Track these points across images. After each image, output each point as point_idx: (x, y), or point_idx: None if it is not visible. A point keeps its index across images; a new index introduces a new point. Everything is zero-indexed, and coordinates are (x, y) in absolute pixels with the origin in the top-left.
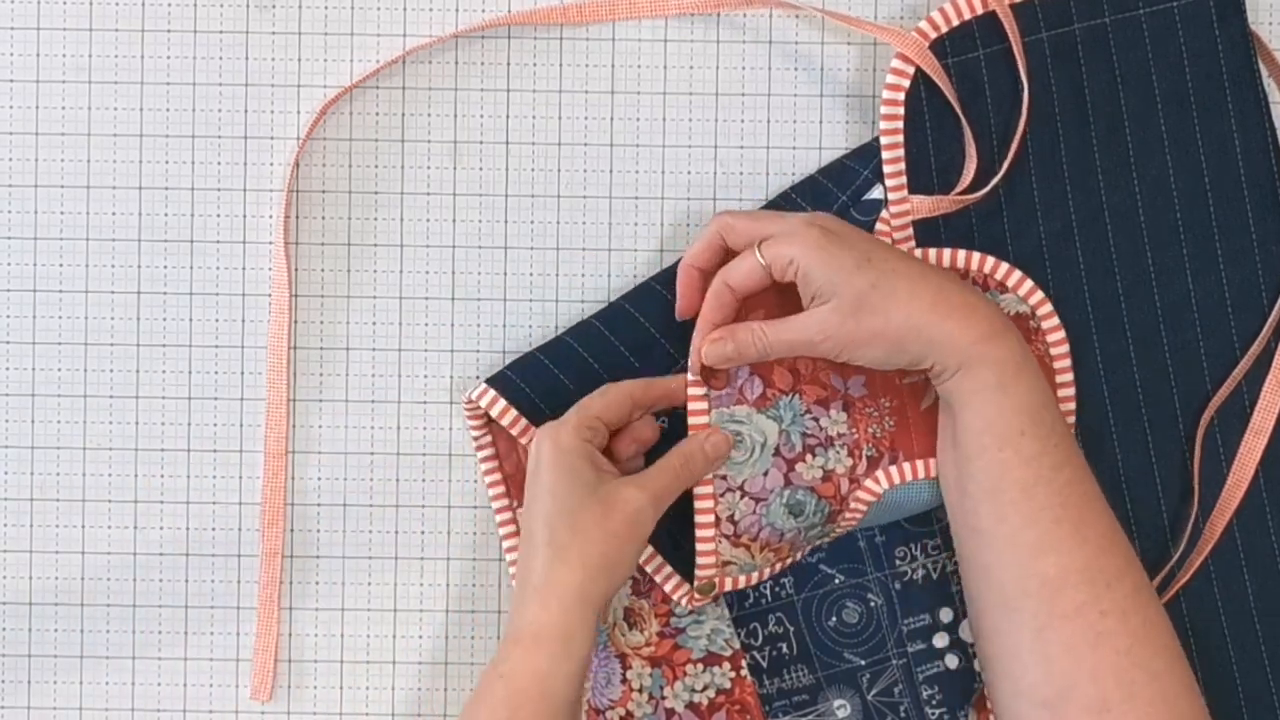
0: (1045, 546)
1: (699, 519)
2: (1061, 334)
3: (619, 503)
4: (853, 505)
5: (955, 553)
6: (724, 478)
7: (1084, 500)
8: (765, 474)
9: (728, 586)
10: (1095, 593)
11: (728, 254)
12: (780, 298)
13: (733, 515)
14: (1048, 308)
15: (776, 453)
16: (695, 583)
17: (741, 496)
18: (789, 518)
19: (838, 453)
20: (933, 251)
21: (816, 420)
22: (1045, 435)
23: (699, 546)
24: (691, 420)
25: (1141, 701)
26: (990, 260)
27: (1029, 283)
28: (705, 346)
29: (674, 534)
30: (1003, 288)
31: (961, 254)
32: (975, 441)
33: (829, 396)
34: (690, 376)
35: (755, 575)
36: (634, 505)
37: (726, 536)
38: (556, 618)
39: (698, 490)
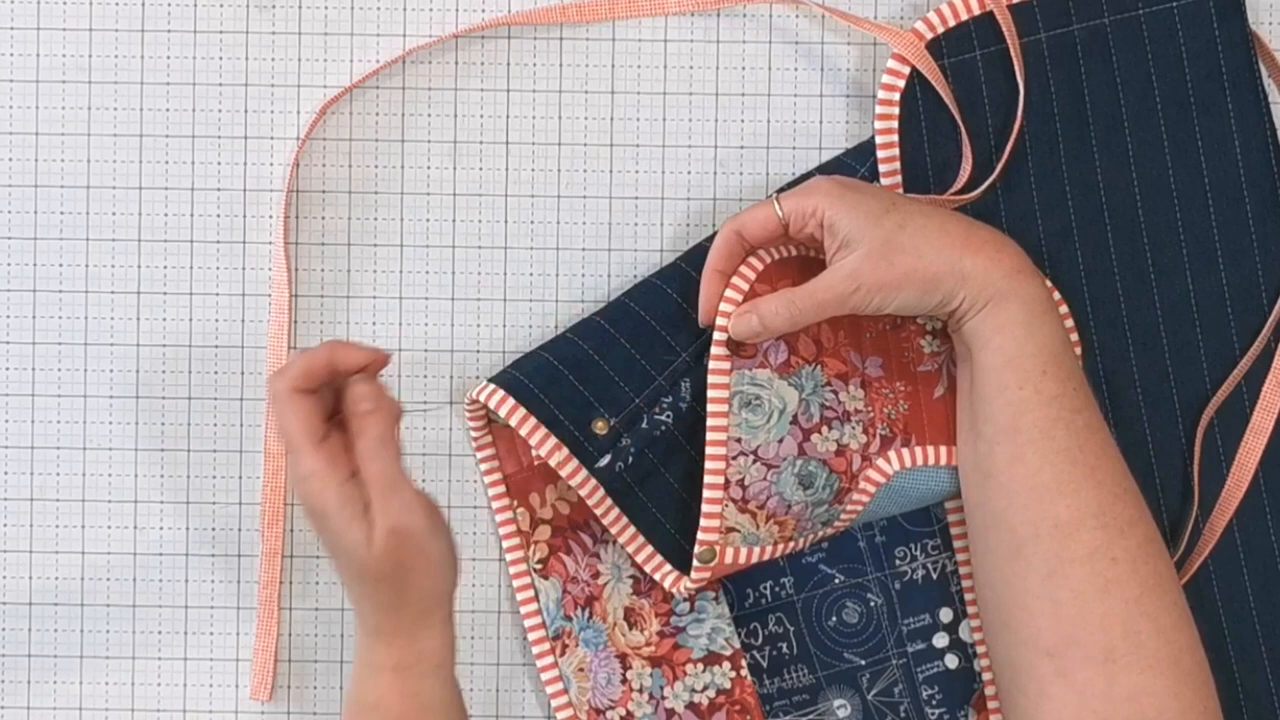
0: (1060, 488)
1: (709, 479)
2: (1075, 336)
3: (377, 546)
4: (861, 485)
5: (963, 507)
6: (739, 441)
7: (1100, 446)
8: (780, 441)
9: (728, 559)
10: (1108, 538)
11: (746, 253)
12: (802, 275)
13: (743, 480)
14: (1064, 309)
15: (794, 421)
16: (697, 548)
17: (754, 462)
18: (798, 489)
19: (853, 428)
20: None
21: (836, 394)
22: (1065, 378)
23: (705, 508)
24: (712, 380)
25: (1146, 653)
26: None
27: (1047, 283)
28: (731, 322)
29: (675, 512)
30: None
31: None
32: (995, 380)
33: (849, 372)
34: (715, 339)
35: (757, 552)
36: (380, 535)
37: (734, 501)
38: (406, 647)
39: (710, 451)
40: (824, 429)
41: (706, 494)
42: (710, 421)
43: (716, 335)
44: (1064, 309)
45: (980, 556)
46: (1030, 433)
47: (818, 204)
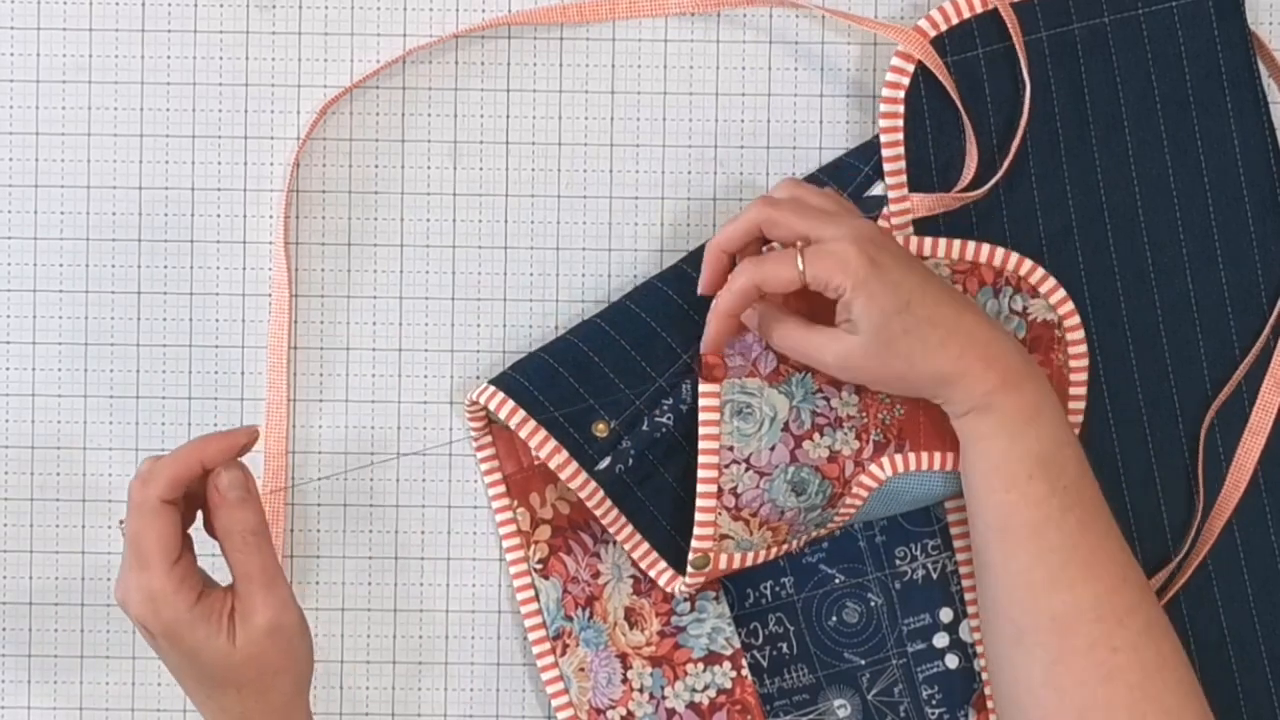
0: (1055, 584)
1: (701, 488)
2: (1083, 348)
3: (243, 654)
4: (854, 490)
5: (974, 585)
6: (731, 449)
7: (1096, 540)
8: (772, 449)
9: (722, 564)
10: (1107, 629)
11: (761, 240)
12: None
13: (735, 488)
14: (1075, 320)
15: (785, 428)
16: (691, 555)
17: (746, 469)
18: (791, 495)
19: (845, 434)
20: (971, 246)
21: (827, 400)
22: (1054, 479)
23: (698, 517)
24: (704, 388)
25: None
26: (1027, 264)
27: (1061, 291)
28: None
29: (673, 511)
30: (1034, 292)
31: (1000, 253)
32: (983, 482)
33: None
34: (704, 355)
35: (750, 556)
36: (253, 637)
37: (727, 509)
38: None
39: (702, 460)
40: (816, 435)
41: (699, 503)
42: (702, 430)
43: (704, 353)
44: (1079, 334)
45: (987, 639)
46: (1020, 532)
47: (840, 284)
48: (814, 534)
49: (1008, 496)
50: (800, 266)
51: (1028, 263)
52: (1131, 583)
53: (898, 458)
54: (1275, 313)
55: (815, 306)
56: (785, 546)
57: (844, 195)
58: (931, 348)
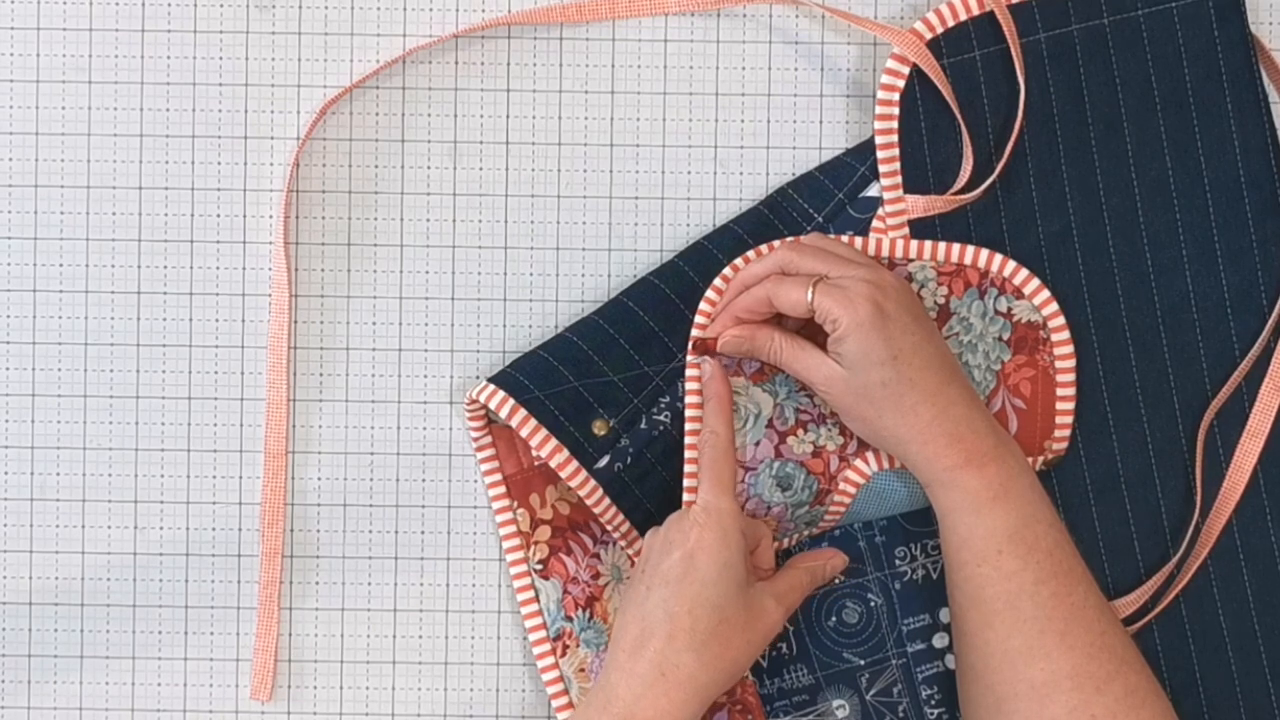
0: (1031, 654)
1: (687, 483)
2: (1069, 348)
3: (762, 614)
4: (841, 486)
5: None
6: None
7: (1072, 610)
8: (756, 444)
9: None
10: (1084, 698)
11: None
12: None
13: None
14: (1060, 320)
15: (769, 424)
16: None
17: None
18: (776, 490)
19: (829, 430)
20: (956, 248)
21: (811, 397)
22: (1026, 553)
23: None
24: (689, 386)
25: None
26: (1010, 265)
27: (1045, 292)
28: (724, 338)
29: (670, 509)
30: (1019, 293)
31: (984, 254)
32: (954, 555)
33: None
34: (690, 354)
35: None
36: (772, 620)
37: None
38: (678, 711)
39: (688, 455)
40: (800, 431)
41: (685, 497)
42: (688, 426)
43: (690, 352)
44: (1065, 334)
45: (967, 708)
46: (994, 604)
47: (841, 319)
48: (805, 533)
49: (979, 570)
50: (810, 297)
51: (1011, 264)
52: (1110, 649)
53: (883, 453)
54: (1275, 314)
55: (819, 342)
56: (776, 544)
57: (840, 194)
58: (904, 408)
